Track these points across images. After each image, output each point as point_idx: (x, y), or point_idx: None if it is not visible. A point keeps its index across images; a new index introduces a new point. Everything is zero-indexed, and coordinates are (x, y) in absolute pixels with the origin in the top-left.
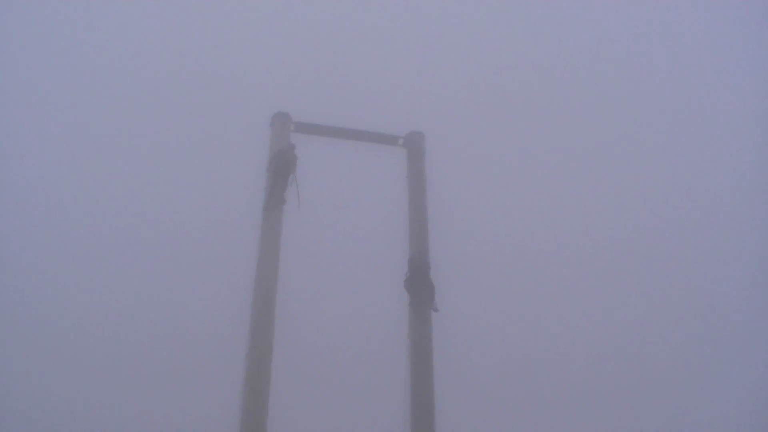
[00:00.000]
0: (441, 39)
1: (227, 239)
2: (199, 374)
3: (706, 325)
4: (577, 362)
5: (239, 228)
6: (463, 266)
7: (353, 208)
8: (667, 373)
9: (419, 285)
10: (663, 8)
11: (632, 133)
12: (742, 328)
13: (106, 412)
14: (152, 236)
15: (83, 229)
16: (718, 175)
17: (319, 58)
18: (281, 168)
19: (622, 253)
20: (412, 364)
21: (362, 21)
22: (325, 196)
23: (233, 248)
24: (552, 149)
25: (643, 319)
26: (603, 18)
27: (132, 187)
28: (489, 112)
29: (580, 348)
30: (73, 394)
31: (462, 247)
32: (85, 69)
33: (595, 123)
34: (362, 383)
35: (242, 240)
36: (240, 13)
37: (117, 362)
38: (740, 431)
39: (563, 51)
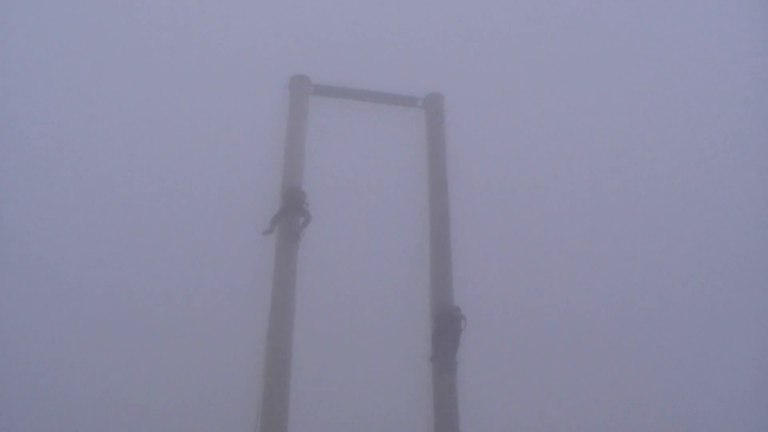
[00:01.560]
0: None
1: (242, 209)
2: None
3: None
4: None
5: (256, 195)
6: (484, 236)
7: (371, 172)
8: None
9: (448, 338)
10: None
11: (664, 84)
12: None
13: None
14: (164, 211)
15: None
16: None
17: (336, 18)
18: (289, 206)
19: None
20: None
21: None
22: (343, 161)
23: (248, 223)
24: (582, 110)
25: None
26: None
27: (141, 158)
28: (513, 71)
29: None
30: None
31: (483, 213)
32: (91, 30)
33: (627, 78)
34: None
35: (258, 214)
36: None
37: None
38: None
39: (592, 4)
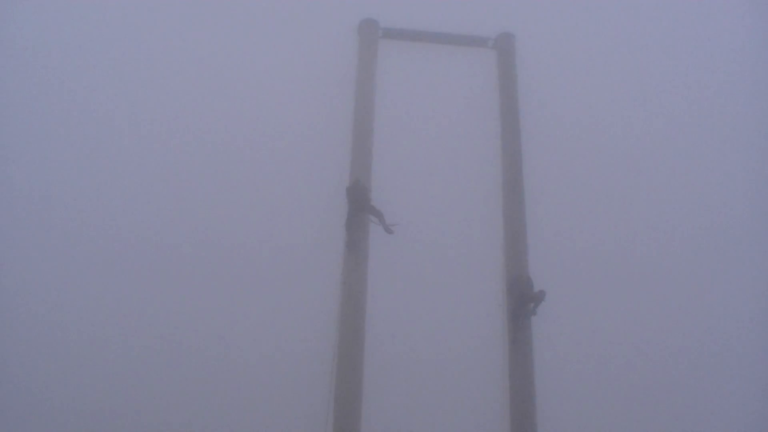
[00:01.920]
0: None
1: (312, 155)
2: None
3: None
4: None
5: (326, 142)
6: (558, 177)
7: (442, 116)
8: None
9: (524, 304)
10: None
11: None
12: None
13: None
14: (236, 162)
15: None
16: None
17: None
18: (356, 204)
19: None
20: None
21: None
22: (413, 104)
23: (321, 173)
24: (661, 52)
25: None
26: None
27: (212, 107)
28: (586, 8)
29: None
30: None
31: (557, 159)
32: None
33: (705, 19)
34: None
35: (330, 163)
36: None
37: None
38: None
39: None
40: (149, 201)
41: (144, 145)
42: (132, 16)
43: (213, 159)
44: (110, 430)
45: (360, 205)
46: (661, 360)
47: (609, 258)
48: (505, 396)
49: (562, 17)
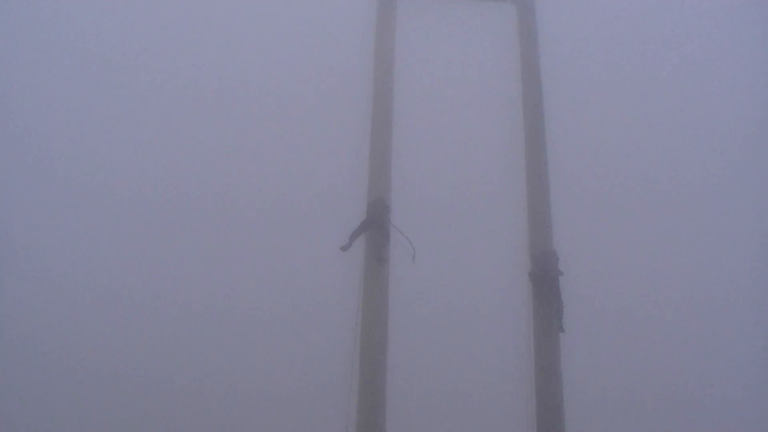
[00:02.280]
0: None
1: (331, 119)
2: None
3: None
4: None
5: (345, 103)
6: (582, 140)
7: (462, 72)
8: None
9: (545, 282)
10: None
11: None
12: None
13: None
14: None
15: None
16: None
17: None
18: (373, 222)
19: None
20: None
21: None
22: (433, 61)
23: (337, 149)
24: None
25: None
26: None
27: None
28: None
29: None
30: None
31: (580, 115)
32: None
33: None
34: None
35: (350, 119)
36: None
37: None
38: None
39: None
40: (153, 198)
41: (146, 127)
42: None
43: (223, 130)
44: (117, 403)
45: (378, 225)
46: (696, 341)
47: (639, 231)
48: (530, 380)
49: None
